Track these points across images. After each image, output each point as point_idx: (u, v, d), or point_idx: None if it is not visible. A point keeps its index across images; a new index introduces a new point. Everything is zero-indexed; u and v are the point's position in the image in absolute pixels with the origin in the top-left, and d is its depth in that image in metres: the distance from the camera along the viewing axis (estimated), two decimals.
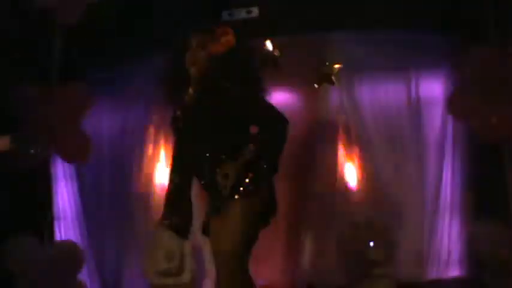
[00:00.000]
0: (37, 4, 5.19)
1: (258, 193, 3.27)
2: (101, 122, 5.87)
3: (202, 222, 3.47)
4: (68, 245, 5.37)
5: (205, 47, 3.37)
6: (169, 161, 3.65)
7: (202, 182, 3.38)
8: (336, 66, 5.37)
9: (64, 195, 5.69)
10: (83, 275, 5.40)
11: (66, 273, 5.17)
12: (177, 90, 3.51)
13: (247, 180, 3.27)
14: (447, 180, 5.43)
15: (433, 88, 5.57)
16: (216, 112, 3.30)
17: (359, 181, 5.53)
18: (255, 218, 3.28)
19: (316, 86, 5.47)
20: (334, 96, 5.51)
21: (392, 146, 5.53)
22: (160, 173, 5.71)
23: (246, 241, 3.24)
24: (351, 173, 5.56)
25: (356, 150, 5.55)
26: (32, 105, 5.25)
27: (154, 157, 5.77)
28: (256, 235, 3.34)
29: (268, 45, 5.32)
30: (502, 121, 4.89)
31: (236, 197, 3.24)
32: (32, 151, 4.51)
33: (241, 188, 3.25)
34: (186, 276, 5.31)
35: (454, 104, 5.17)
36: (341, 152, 5.57)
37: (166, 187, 3.46)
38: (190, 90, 3.44)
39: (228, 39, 3.38)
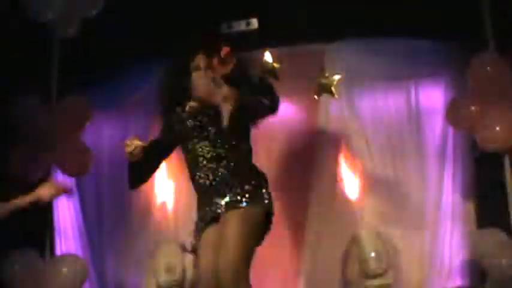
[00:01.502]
0: (36, 17, 5.20)
1: (258, 202, 3.30)
2: (101, 133, 5.87)
3: (194, 237, 3.49)
4: (71, 258, 5.34)
5: (212, 67, 3.46)
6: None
7: (203, 182, 3.41)
8: (336, 77, 5.36)
9: (64, 208, 5.68)
10: None
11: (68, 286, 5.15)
12: (179, 101, 3.57)
13: (246, 187, 3.30)
14: (448, 189, 5.40)
15: (433, 97, 5.56)
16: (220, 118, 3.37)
17: (360, 191, 5.53)
18: (257, 227, 3.30)
19: (316, 97, 5.47)
20: (334, 107, 5.51)
21: (393, 156, 5.52)
22: (161, 184, 5.70)
23: (249, 251, 3.27)
24: (351, 183, 5.56)
25: (357, 160, 5.55)
26: (32, 118, 5.25)
27: None
28: (258, 244, 3.37)
29: (268, 56, 5.31)
30: (502, 130, 4.88)
31: (239, 204, 3.27)
32: None
33: (242, 198, 3.27)
34: None
35: (454, 112, 5.16)
36: (342, 162, 5.57)
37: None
38: (193, 104, 3.52)
39: (232, 60, 3.47)
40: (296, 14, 5.36)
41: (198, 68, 3.49)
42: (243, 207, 3.29)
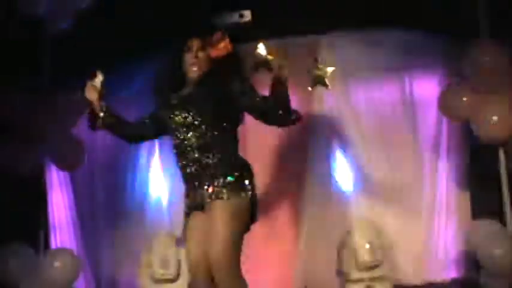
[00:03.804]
0: (28, 11, 5.17)
1: (241, 194, 3.37)
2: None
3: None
4: (65, 253, 5.33)
5: (204, 50, 3.56)
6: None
7: (188, 171, 3.45)
8: (330, 68, 5.35)
9: (59, 202, 5.67)
10: (79, 283, 5.38)
11: (62, 282, 5.14)
12: (170, 90, 3.64)
13: (229, 179, 3.34)
14: (443, 181, 5.42)
15: (428, 88, 5.56)
16: (211, 103, 3.45)
17: (355, 183, 5.52)
18: (242, 217, 3.37)
19: (310, 88, 5.45)
20: (329, 99, 5.50)
21: (388, 147, 5.52)
22: (155, 179, 5.69)
23: (237, 240, 3.32)
24: (346, 175, 5.55)
25: (351, 152, 5.54)
26: (25, 112, 5.23)
27: (149, 162, 5.76)
28: (245, 232, 3.40)
29: (261, 48, 5.29)
30: (499, 121, 4.86)
31: (222, 196, 3.32)
32: None
33: (224, 190, 3.31)
34: (182, 283, 5.30)
35: (447, 102, 5.15)
36: (336, 153, 5.57)
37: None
38: (187, 90, 3.59)
39: (226, 45, 3.55)
40: (290, 5, 5.34)
41: (190, 50, 3.58)
42: (226, 199, 3.34)
